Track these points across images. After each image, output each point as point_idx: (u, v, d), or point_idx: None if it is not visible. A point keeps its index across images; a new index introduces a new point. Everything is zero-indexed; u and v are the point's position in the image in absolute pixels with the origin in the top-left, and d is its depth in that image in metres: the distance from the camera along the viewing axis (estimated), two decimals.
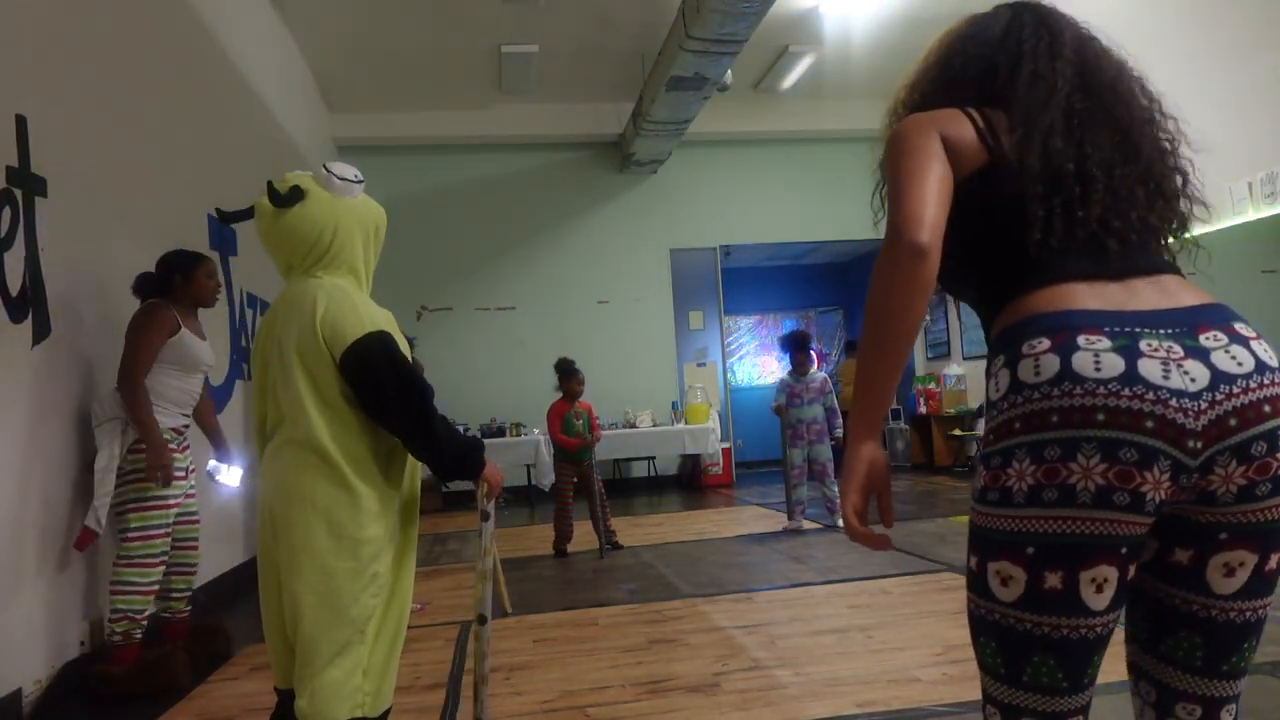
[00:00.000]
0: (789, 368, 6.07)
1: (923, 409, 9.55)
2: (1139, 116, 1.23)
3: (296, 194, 1.85)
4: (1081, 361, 0.96)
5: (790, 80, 8.86)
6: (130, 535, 3.09)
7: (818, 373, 6.02)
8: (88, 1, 3.61)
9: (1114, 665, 2.78)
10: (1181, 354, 0.97)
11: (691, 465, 9.46)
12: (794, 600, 3.85)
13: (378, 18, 7.11)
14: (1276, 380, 0.99)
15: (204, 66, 5.09)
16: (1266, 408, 0.97)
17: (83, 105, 3.46)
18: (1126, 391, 0.95)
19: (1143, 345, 0.97)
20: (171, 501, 3.18)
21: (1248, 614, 1.05)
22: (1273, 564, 1.03)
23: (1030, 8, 1.27)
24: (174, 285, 3.31)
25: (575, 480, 5.46)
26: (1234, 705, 1.09)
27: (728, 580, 4.36)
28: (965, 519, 5.68)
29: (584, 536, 5.49)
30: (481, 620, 1.95)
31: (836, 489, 5.83)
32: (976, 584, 1.05)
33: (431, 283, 9.47)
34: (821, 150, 10.16)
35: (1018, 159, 1.09)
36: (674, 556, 5.15)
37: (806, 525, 5.86)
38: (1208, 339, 0.99)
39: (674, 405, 9.38)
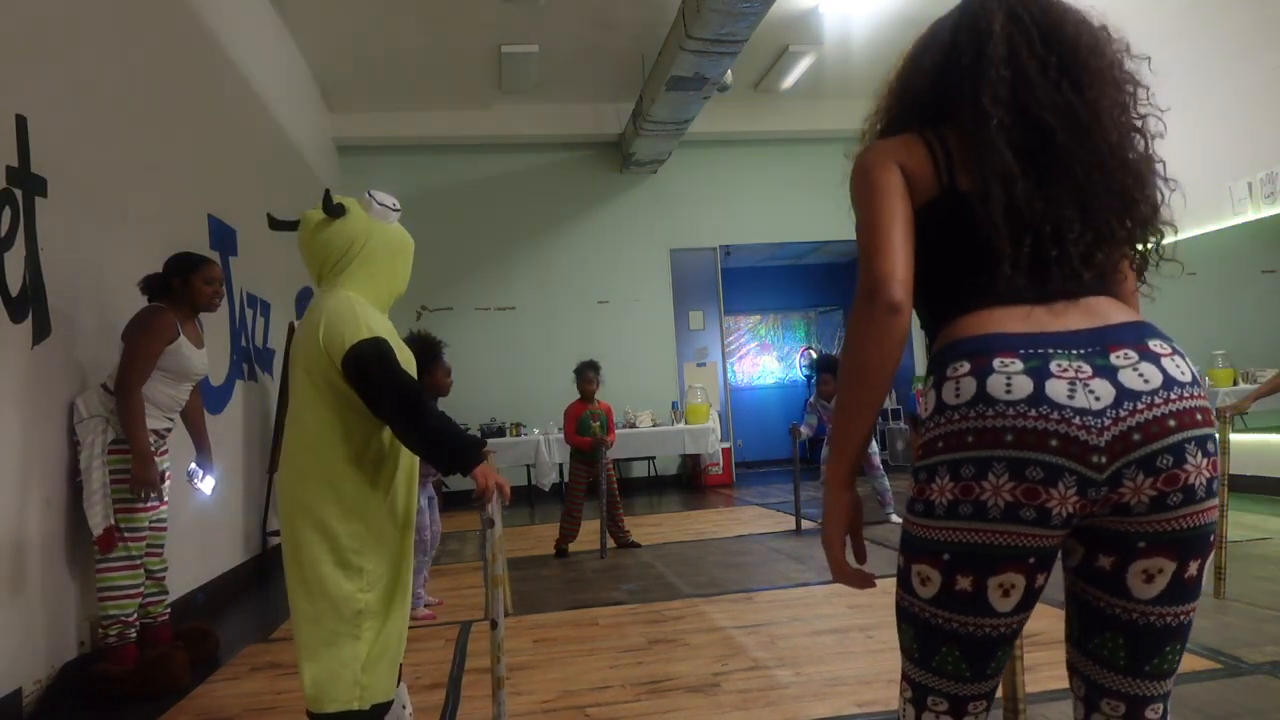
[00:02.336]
0: (815, 393, 6.08)
1: (923, 409, 9.54)
2: (1116, 140, 1.19)
3: (340, 209, 2.05)
4: (994, 384, 1.03)
5: (790, 80, 8.86)
6: (123, 538, 3.09)
7: None
8: (88, 2, 3.61)
9: None
10: (1090, 373, 1.02)
11: (691, 465, 9.46)
12: (794, 600, 3.85)
13: (378, 18, 7.11)
14: (1185, 395, 1.03)
15: (204, 66, 5.09)
16: (1171, 422, 1.01)
17: (83, 105, 3.46)
18: (1033, 412, 1.01)
19: (1052, 366, 1.03)
20: (148, 506, 3.17)
21: (1169, 619, 1.09)
22: (1192, 571, 1.07)
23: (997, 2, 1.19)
24: (173, 288, 3.30)
25: (588, 481, 5.44)
26: (1160, 704, 1.14)
27: (728, 580, 4.36)
28: None
29: (586, 537, 5.49)
30: (494, 625, 1.95)
31: (886, 482, 5.89)
32: (902, 579, 1.16)
33: (431, 283, 9.46)
34: (821, 150, 10.15)
35: (980, 208, 1.12)
36: (674, 556, 5.15)
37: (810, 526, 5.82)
38: (1118, 358, 1.03)
39: (674, 405, 9.38)
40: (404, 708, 2.11)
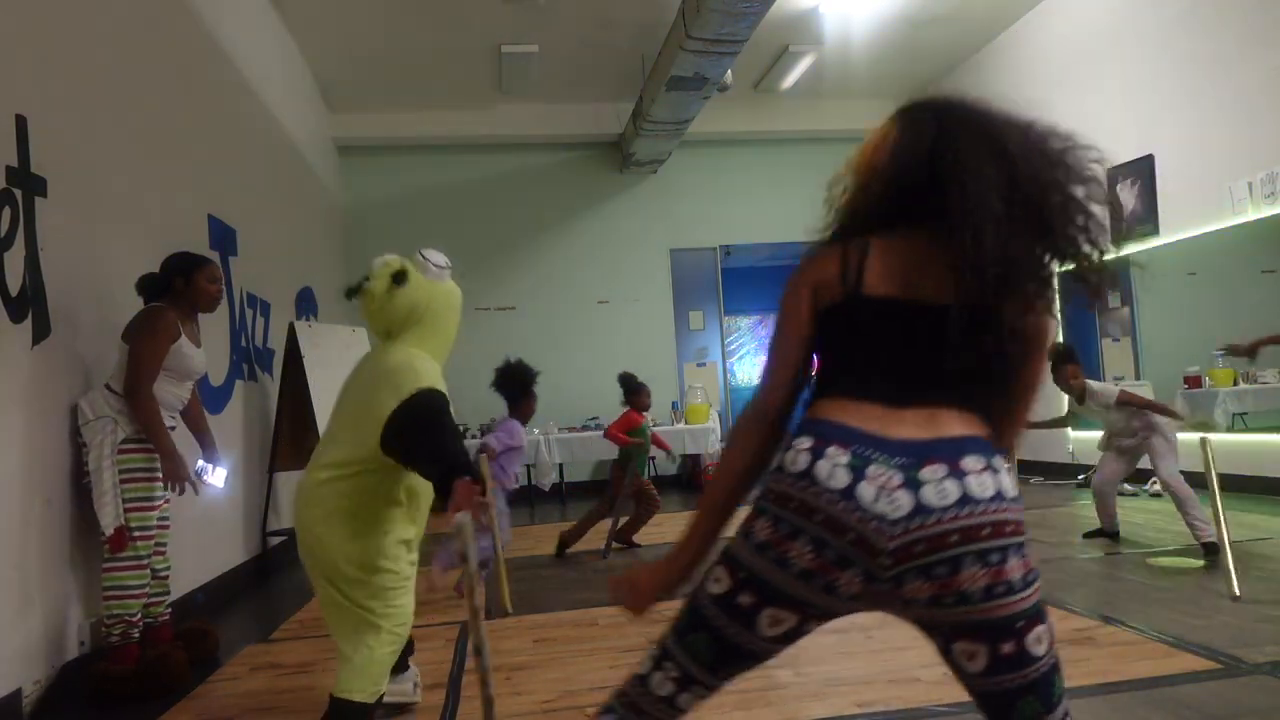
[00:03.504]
0: None
1: None
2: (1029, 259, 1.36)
3: (403, 277, 2.35)
4: (821, 469, 1.18)
5: (790, 80, 8.86)
6: (131, 536, 3.09)
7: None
8: (88, 1, 3.61)
9: (1113, 665, 2.77)
10: (898, 483, 1.16)
11: (691, 465, 9.45)
12: None
13: (378, 18, 7.11)
14: (977, 512, 1.15)
15: (204, 67, 5.09)
16: (954, 537, 1.14)
17: (83, 105, 3.46)
18: (841, 505, 1.16)
19: (869, 470, 1.17)
20: (156, 504, 3.17)
21: (1009, 683, 1.22)
22: (1009, 649, 1.20)
23: (937, 117, 1.46)
24: (175, 288, 3.30)
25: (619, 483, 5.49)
26: None
27: None
28: None
29: (589, 536, 5.48)
30: (478, 651, 1.92)
31: None
32: (707, 570, 1.29)
33: None
34: (821, 150, 10.12)
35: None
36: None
37: None
38: (927, 473, 1.16)
39: (674, 405, 9.38)
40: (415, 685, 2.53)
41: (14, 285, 2.86)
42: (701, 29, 6.32)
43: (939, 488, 1.16)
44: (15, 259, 2.88)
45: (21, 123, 2.95)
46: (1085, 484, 6.96)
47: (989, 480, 1.18)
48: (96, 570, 3.16)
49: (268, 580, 5.31)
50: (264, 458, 5.63)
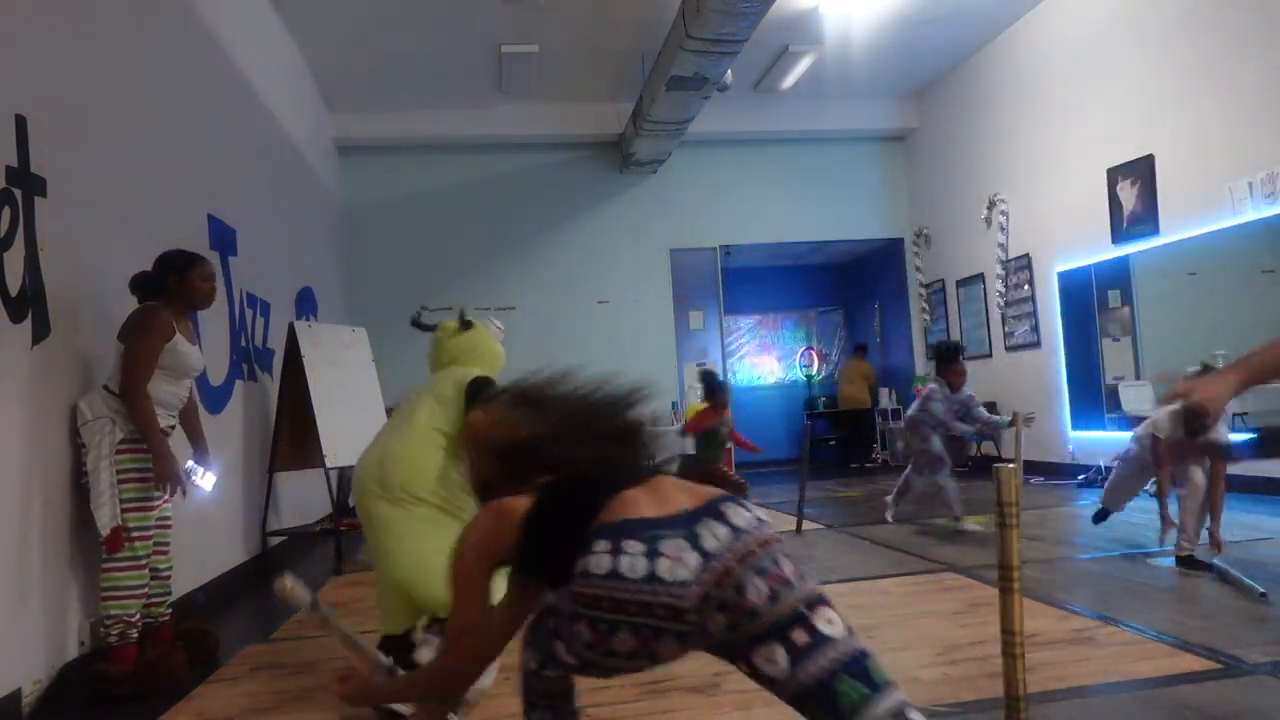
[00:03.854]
0: (941, 379, 5.53)
1: None
2: None
3: (469, 324, 2.97)
4: (623, 564, 1.39)
5: (790, 80, 8.86)
6: (130, 537, 3.09)
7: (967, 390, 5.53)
8: (88, 1, 3.61)
9: (1113, 665, 2.77)
10: (687, 547, 1.39)
11: (692, 465, 9.44)
12: None
13: (378, 18, 7.11)
14: (747, 537, 1.42)
15: (204, 66, 5.09)
16: (734, 564, 1.38)
17: (83, 105, 3.45)
18: (647, 589, 1.36)
19: (662, 546, 1.39)
20: (154, 504, 3.17)
21: (816, 672, 1.37)
22: (802, 637, 1.38)
23: None
24: (169, 286, 3.29)
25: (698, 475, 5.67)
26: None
27: None
28: (967, 519, 5.68)
29: None
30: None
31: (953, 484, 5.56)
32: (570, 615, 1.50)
33: (431, 283, 9.45)
34: (821, 150, 10.16)
35: None
36: None
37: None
38: (705, 526, 1.42)
39: (674, 405, 9.38)
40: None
41: (14, 285, 2.86)
42: (701, 29, 6.32)
43: (713, 531, 1.42)
44: (15, 259, 2.88)
45: (21, 123, 2.95)
46: (1085, 484, 6.96)
47: (744, 512, 1.47)
48: (96, 570, 3.16)
49: (268, 580, 5.30)
50: (264, 458, 5.63)
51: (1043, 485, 7.30)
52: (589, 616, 1.41)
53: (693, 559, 1.37)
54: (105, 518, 3.01)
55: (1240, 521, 5.00)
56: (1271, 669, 2.56)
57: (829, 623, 1.39)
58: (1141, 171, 6.69)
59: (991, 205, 8.69)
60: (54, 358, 3.09)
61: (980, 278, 9.01)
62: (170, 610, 3.39)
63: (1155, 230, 6.58)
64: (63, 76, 3.31)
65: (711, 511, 1.45)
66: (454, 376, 2.73)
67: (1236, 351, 6.57)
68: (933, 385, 5.55)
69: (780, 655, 1.36)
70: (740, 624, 1.37)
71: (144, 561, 3.13)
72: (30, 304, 2.95)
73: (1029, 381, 8.20)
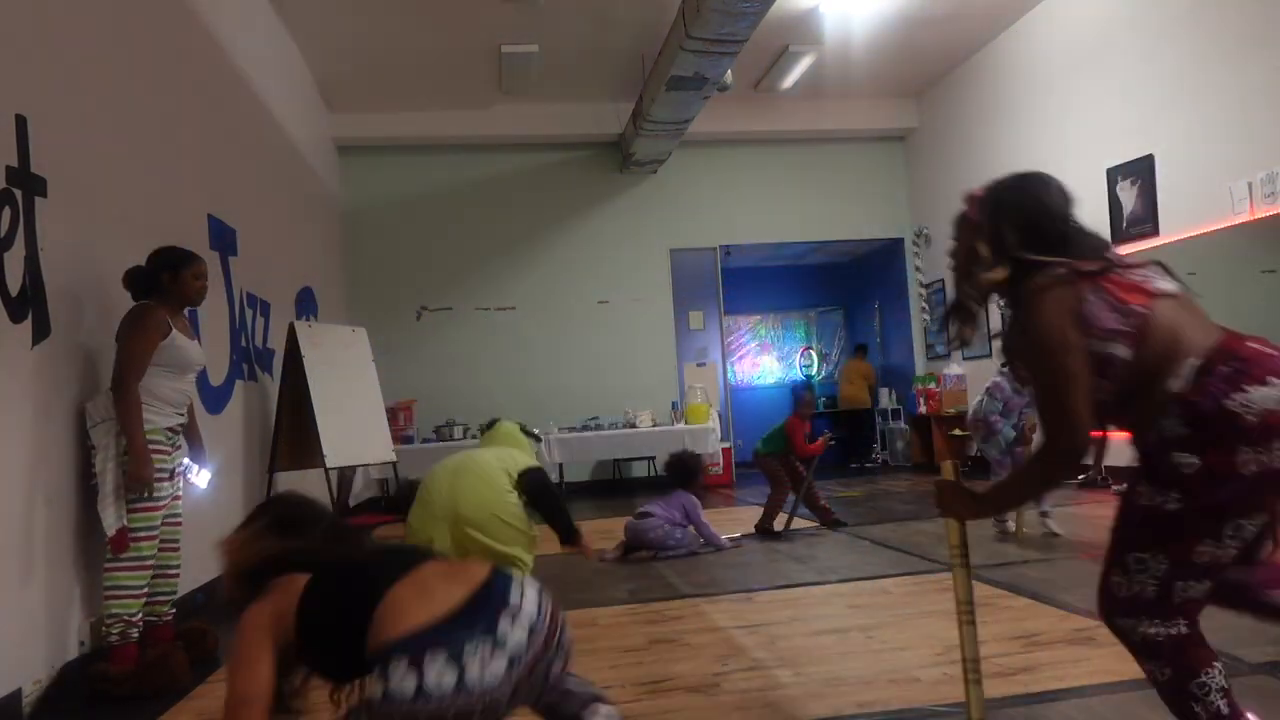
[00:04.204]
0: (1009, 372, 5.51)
1: (922, 409, 9.55)
2: None
3: (538, 438, 3.83)
4: (430, 681, 1.42)
5: (790, 80, 8.86)
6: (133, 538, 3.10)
7: None
8: (88, 1, 3.61)
9: (1113, 665, 2.77)
10: (490, 650, 1.47)
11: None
12: (794, 600, 3.84)
13: (378, 18, 7.11)
14: (539, 628, 1.58)
15: (204, 66, 5.09)
16: (539, 656, 1.58)
17: (83, 105, 3.46)
18: (462, 698, 1.41)
19: (465, 656, 1.45)
20: (160, 504, 3.18)
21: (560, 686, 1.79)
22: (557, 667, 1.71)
23: None
24: (162, 283, 3.30)
25: (793, 477, 5.87)
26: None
27: (728, 580, 4.36)
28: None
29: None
30: None
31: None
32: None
33: (431, 283, 9.47)
34: (821, 150, 10.16)
35: None
36: (674, 556, 5.15)
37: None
38: (504, 623, 1.53)
39: (674, 405, 9.38)
40: None
41: (14, 285, 2.86)
42: (701, 29, 6.32)
43: (518, 624, 1.54)
44: (15, 259, 2.88)
45: (21, 123, 2.95)
46: (1085, 484, 6.96)
47: (529, 594, 1.63)
48: (97, 570, 3.16)
49: None
50: (264, 458, 5.63)
51: None
52: None
53: (500, 664, 1.45)
54: (111, 518, 3.02)
55: None
56: (1271, 669, 2.56)
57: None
58: (1141, 171, 6.69)
59: None
60: (54, 358, 3.09)
61: None
62: (173, 610, 3.39)
63: (1155, 230, 6.58)
64: (63, 76, 3.31)
65: (499, 601, 1.53)
66: (517, 460, 3.90)
67: None
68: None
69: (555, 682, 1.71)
70: (542, 694, 1.65)
71: (148, 562, 3.13)
72: (30, 304, 2.95)
73: None
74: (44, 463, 3.00)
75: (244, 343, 5.46)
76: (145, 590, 3.14)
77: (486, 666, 1.42)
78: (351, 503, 7.74)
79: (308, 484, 6.18)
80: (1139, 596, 1.61)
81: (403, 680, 1.39)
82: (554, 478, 8.36)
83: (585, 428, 8.90)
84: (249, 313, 5.60)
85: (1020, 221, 1.78)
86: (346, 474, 7.25)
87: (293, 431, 5.71)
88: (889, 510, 6.71)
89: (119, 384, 3.08)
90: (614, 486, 9.39)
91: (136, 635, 3.09)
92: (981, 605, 3.47)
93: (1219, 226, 6.03)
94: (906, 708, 2.44)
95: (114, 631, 3.04)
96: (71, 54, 3.40)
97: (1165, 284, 1.71)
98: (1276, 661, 2.62)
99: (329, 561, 1.70)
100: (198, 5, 4.95)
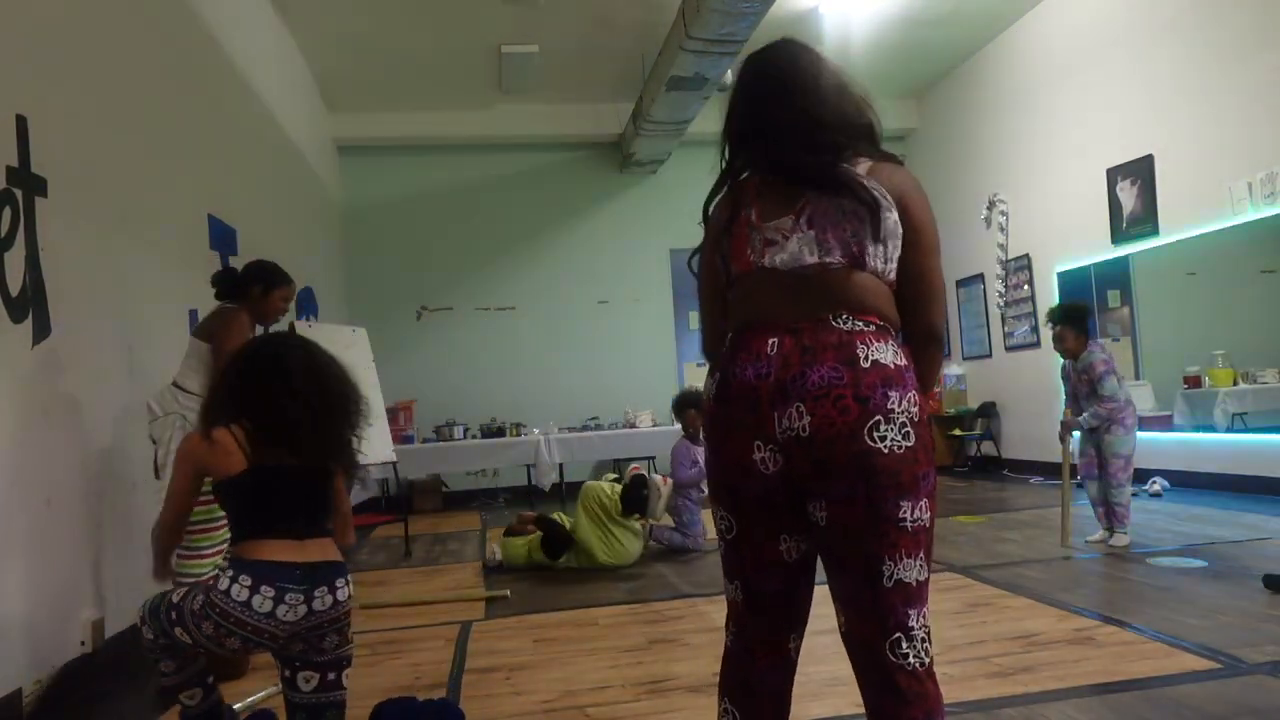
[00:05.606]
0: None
1: None
2: None
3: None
4: (255, 600, 1.98)
5: None
6: (192, 529, 3.14)
7: (1089, 352, 4.58)
8: (88, 1, 3.61)
9: (1113, 665, 2.77)
10: (301, 599, 2.02)
11: None
12: None
13: (378, 18, 7.11)
14: (339, 607, 2.11)
15: (204, 66, 5.09)
16: (325, 621, 2.08)
17: (83, 105, 3.46)
18: (266, 621, 1.98)
19: (287, 596, 2.01)
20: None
21: (324, 699, 2.11)
22: (331, 676, 2.12)
23: None
24: (251, 295, 3.41)
25: None
26: None
27: None
28: (967, 519, 5.69)
29: None
30: None
31: (1124, 494, 4.55)
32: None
33: (431, 283, 9.47)
34: None
35: None
36: (674, 556, 5.15)
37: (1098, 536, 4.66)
38: (293, 598, 2.02)
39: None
40: None
41: (14, 285, 2.86)
42: (701, 29, 6.32)
43: (322, 599, 2.05)
44: (15, 259, 2.88)
45: (21, 123, 2.95)
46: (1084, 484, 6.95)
47: (329, 599, 2.07)
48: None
49: None
50: None
51: (1042, 485, 7.30)
52: (216, 621, 1.97)
53: (302, 610, 2.01)
54: None
55: (1240, 521, 5.00)
56: (1271, 669, 2.56)
57: (347, 677, 2.13)
58: (1141, 171, 6.69)
59: (991, 205, 8.69)
60: (55, 357, 3.09)
61: (980, 278, 9.02)
62: None
63: (1155, 230, 6.58)
64: (63, 76, 3.31)
65: (325, 578, 2.06)
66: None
67: (1236, 351, 6.58)
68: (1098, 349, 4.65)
69: (315, 681, 2.07)
70: (308, 654, 2.07)
71: (215, 550, 3.21)
72: (30, 304, 2.95)
73: (1029, 381, 8.19)
74: (44, 463, 3.00)
75: None
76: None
77: (291, 610, 1.99)
78: (351, 502, 7.74)
79: None
80: None
81: (241, 590, 1.96)
82: (554, 478, 8.42)
83: (585, 428, 8.90)
84: None
85: None
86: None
87: None
88: None
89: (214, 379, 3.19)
90: None
91: None
92: (981, 605, 3.48)
93: (1219, 226, 6.03)
94: None
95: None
96: (71, 54, 3.40)
97: None
98: (1276, 661, 2.62)
99: (263, 470, 2.08)
100: (198, 5, 4.95)
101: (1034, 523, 5.46)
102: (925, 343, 1.48)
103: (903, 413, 1.34)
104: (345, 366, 2.22)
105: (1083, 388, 4.66)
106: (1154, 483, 6.41)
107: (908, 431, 1.34)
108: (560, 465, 8.38)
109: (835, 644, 3.18)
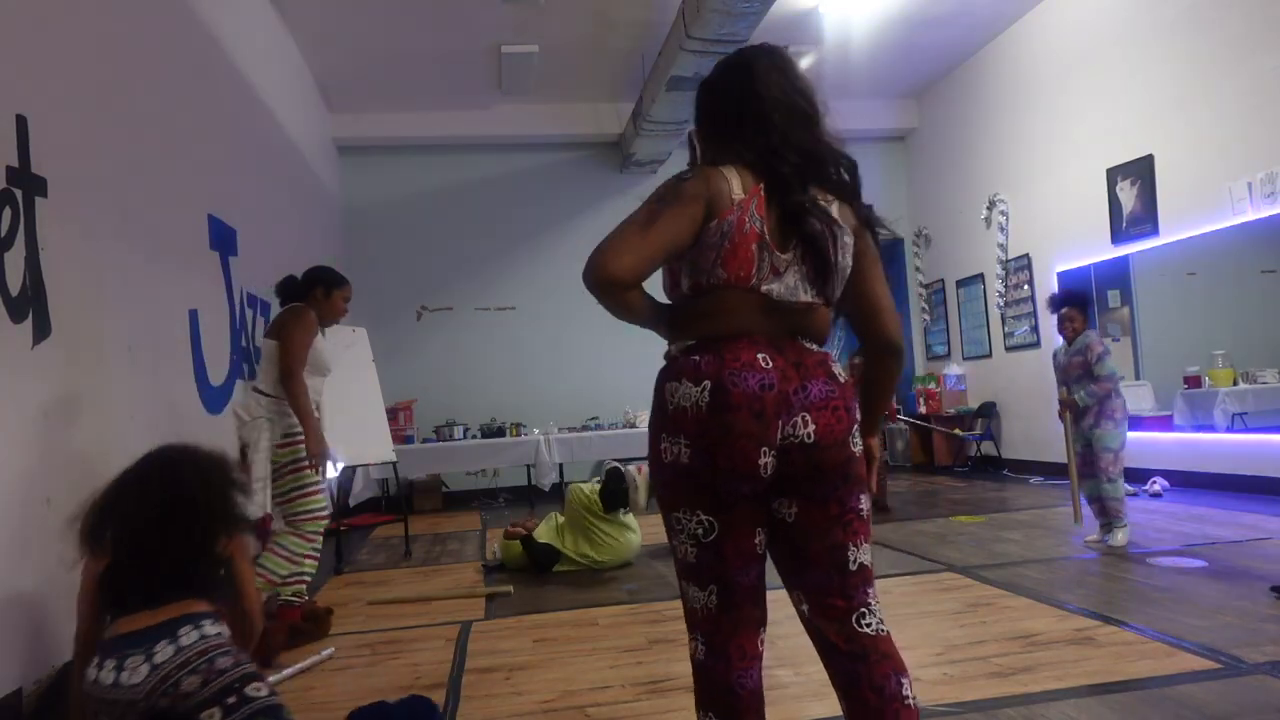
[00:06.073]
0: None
1: (922, 409, 9.55)
2: None
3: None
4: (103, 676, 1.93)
5: None
6: (300, 517, 3.50)
7: (1085, 335, 4.75)
8: (88, 2, 3.61)
9: (1113, 665, 2.77)
10: (142, 661, 1.92)
11: None
12: None
13: (378, 18, 7.11)
14: (189, 651, 1.95)
15: (204, 66, 5.09)
16: (175, 670, 1.93)
17: (83, 105, 3.45)
18: (111, 693, 1.91)
19: (127, 662, 1.91)
20: (316, 488, 3.52)
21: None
22: (231, 702, 1.95)
23: None
24: (314, 296, 3.71)
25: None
26: None
27: None
28: (967, 519, 5.69)
29: None
30: None
31: (1117, 489, 4.54)
32: None
33: (431, 283, 9.47)
34: None
35: None
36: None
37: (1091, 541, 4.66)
38: (132, 661, 1.92)
39: None
40: None
41: (14, 285, 2.86)
42: (701, 29, 6.32)
43: (135, 671, 1.91)
44: (15, 259, 2.88)
45: (21, 123, 2.95)
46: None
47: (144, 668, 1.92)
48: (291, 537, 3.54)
49: None
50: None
51: (1042, 485, 7.30)
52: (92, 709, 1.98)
53: (144, 669, 1.94)
54: (255, 508, 3.34)
55: (1240, 521, 5.00)
56: (1271, 669, 2.56)
57: (255, 689, 1.97)
58: (1141, 171, 6.69)
59: (991, 205, 8.70)
60: (55, 357, 3.09)
61: (980, 278, 9.02)
62: (306, 596, 3.64)
63: (1155, 230, 6.58)
64: (63, 76, 3.31)
65: (167, 632, 1.99)
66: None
67: (1236, 351, 6.59)
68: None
69: (218, 714, 1.95)
70: (178, 706, 1.96)
71: (320, 535, 3.55)
72: (30, 304, 2.95)
73: (1028, 381, 8.19)
74: (44, 463, 3.00)
75: (244, 343, 5.46)
76: (318, 558, 3.58)
77: (133, 674, 1.94)
78: (351, 503, 7.74)
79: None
80: None
81: (97, 669, 1.96)
82: (554, 478, 8.42)
83: (585, 428, 8.90)
84: (249, 313, 5.60)
85: None
86: (346, 474, 7.25)
87: None
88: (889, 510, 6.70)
89: (287, 375, 3.43)
90: None
91: (299, 601, 3.52)
92: (981, 605, 3.49)
93: (1219, 226, 6.03)
94: None
95: (291, 592, 3.47)
96: (71, 54, 3.40)
97: None
98: (1276, 661, 2.62)
99: (112, 572, 2.10)
100: (198, 5, 4.95)
101: (1034, 523, 5.45)
102: (885, 356, 1.63)
103: (856, 420, 1.54)
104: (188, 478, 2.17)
105: (1074, 370, 4.76)
106: (1154, 483, 6.41)
107: (857, 435, 1.54)
108: (560, 465, 8.38)
109: None
